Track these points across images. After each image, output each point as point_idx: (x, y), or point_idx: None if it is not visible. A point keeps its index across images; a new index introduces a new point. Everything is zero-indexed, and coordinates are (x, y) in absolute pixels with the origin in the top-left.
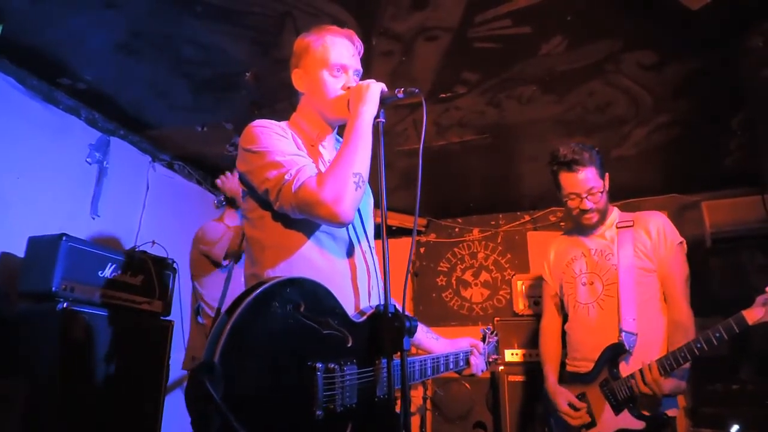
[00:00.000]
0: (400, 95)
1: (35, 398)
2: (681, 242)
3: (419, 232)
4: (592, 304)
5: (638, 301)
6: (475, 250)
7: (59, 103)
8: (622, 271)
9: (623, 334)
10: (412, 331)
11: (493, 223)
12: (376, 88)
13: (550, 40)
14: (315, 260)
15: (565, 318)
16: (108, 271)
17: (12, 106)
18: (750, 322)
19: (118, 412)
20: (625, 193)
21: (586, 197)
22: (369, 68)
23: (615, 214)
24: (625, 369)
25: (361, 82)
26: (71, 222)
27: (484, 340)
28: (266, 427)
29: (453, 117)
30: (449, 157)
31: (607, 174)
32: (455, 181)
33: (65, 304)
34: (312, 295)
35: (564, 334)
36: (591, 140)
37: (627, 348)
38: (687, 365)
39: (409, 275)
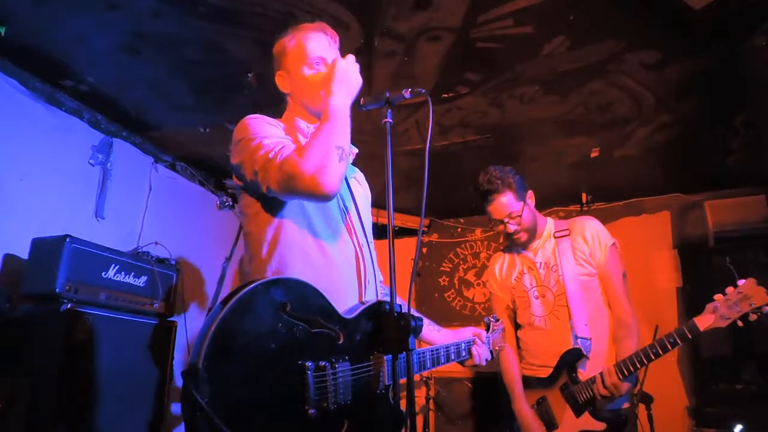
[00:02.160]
0: (407, 95)
1: (38, 398)
2: (614, 243)
3: (422, 232)
4: (548, 315)
5: (587, 306)
6: (477, 250)
7: (62, 105)
8: (567, 280)
9: (579, 340)
10: (417, 331)
11: None
12: (345, 64)
13: (552, 40)
14: (311, 254)
15: (516, 325)
16: (111, 272)
17: (15, 108)
18: (701, 328)
19: (121, 413)
20: (628, 192)
21: (508, 222)
22: (371, 69)
23: (550, 224)
24: (583, 373)
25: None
26: (74, 223)
27: (488, 329)
28: (257, 429)
29: (455, 117)
30: (451, 157)
31: (529, 192)
32: (457, 182)
33: (69, 305)
34: (298, 295)
35: (518, 339)
36: (593, 140)
37: (585, 353)
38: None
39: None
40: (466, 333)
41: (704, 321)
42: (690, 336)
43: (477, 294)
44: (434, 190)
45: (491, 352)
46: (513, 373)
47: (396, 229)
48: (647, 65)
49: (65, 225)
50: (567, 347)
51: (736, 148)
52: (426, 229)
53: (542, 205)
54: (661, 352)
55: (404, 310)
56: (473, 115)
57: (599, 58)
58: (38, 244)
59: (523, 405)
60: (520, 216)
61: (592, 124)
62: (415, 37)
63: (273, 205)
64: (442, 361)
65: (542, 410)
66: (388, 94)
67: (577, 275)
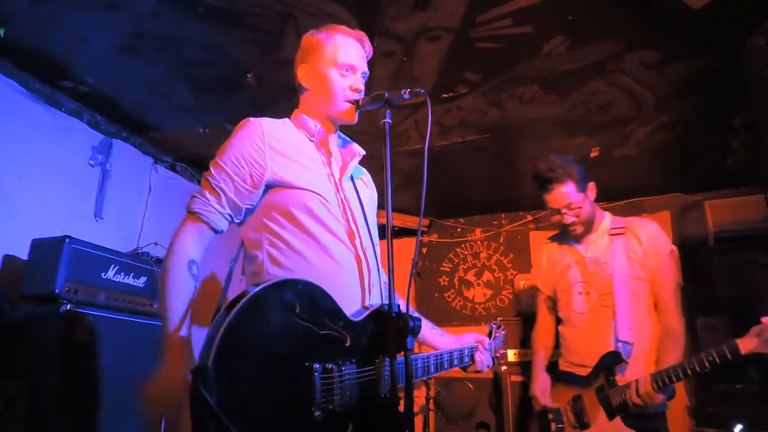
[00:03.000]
0: (406, 96)
1: (38, 399)
2: (672, 251)
3: (422, 233)
4: (588, 313)
5: (633, 310)
6: (477, 250)
7: (62, 106)
8: (617, 281)
9: (619, 344)
10: (416, 331)
11: (495, 223)
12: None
13: (551, 39)
14: (311, 258)
15: (558, 319)
16: (111, 273)
17: (14, 109)
18: (743, 351)
19: (121, 414)
20: (628, 192)
21: (566, 212)
22: (370, 69)
23: (607, 220)
24: (621, 378)
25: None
26: (74, 224)
27: (490, 335)
28: (264, 429)
29: (455, 117)
30: (451, 157)
31: (591, 184)
32: (457, 182)
33: (68, 306)
34: (307, 296)
35: (558, 334)
36: (593, 140)
37: (624, 358)
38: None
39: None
40: (468, 339)
41: (747, 344)
42: (730, 357)
43: (477, 294)
44: (434, 190)
45: (493, 358)
46: (541, 345)
47: (396, 229)
48: (647, 65)
49: (65, 226)
50: (606, 349)
51: (736, 147)
52: (426, 229)
53: (542, 205)
54: (698, 369)
55: (403, 310)
56: (473, 115)
57: (599, 58)
58: (38, 245)
59: (540, 371)
60: (580, 208)
61: (591, 124)
62: (414, 37)
63: (267, 209)
64: (446, 367)
65: (577, 408)
66: (387, 95)
67: (627, 276)
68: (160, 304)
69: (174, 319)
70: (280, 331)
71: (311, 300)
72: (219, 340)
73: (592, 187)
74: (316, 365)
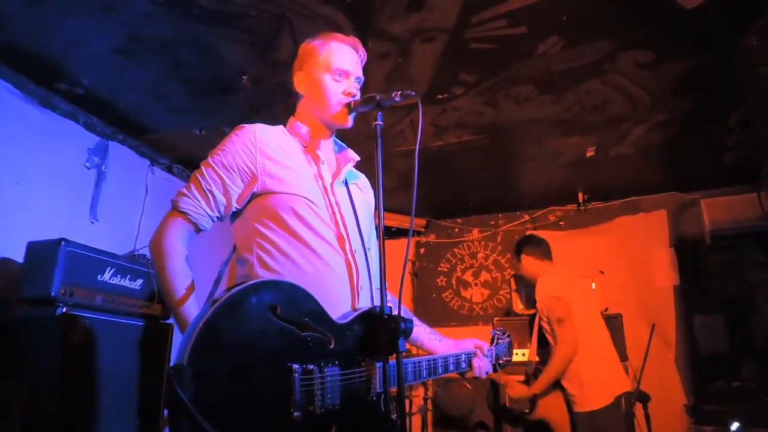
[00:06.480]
0: (397, 98)
1: (35, 402)
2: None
3: (419, 233)
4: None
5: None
6: (474, 250)
7: (57, 108)
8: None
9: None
10: (407, 333)
11: (492, 223)
12: None
13: (545, 40)
14: (300, 261)
15: None
16: (107, 275)
17: (10, 111)
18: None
19: (118, 416)
20: (625, 191)
21: None
22: (365, 70)
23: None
24: None
25: None
26: (70, 227)
27: (493, 341)
28: (239, 429)
29: (451, 118)
30: (448, 157)
31: (522, 257)
32: (454, 182)
33: (65, 309)
34: (289, 297)
35: None
36: (589, 139)
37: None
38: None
39: (409, 276)
40: (467, 344)
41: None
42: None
43: (475, 294)
44: (431, 190)
45: (494, 365)
46: None
47: (393, 229)
48: (641, 64)
49: (61, 228)
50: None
51: (732, 146)
52: (423, 229)
53: (539, 205)
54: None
55: (395, 312)
56: (469, 116)
57: (593, 58)
58: (34, 248)
59: None
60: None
61: (587, 124)
62: (409, 39)
63: (258, 214)
64: (440, 372)
65: None
66: (378, 97)
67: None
68: (173, 306)
69: (191, 317)
70: (258, 331)
71: (293, 301)
72: (195, 338)
73: (523, 258)
74: (296, 366)
